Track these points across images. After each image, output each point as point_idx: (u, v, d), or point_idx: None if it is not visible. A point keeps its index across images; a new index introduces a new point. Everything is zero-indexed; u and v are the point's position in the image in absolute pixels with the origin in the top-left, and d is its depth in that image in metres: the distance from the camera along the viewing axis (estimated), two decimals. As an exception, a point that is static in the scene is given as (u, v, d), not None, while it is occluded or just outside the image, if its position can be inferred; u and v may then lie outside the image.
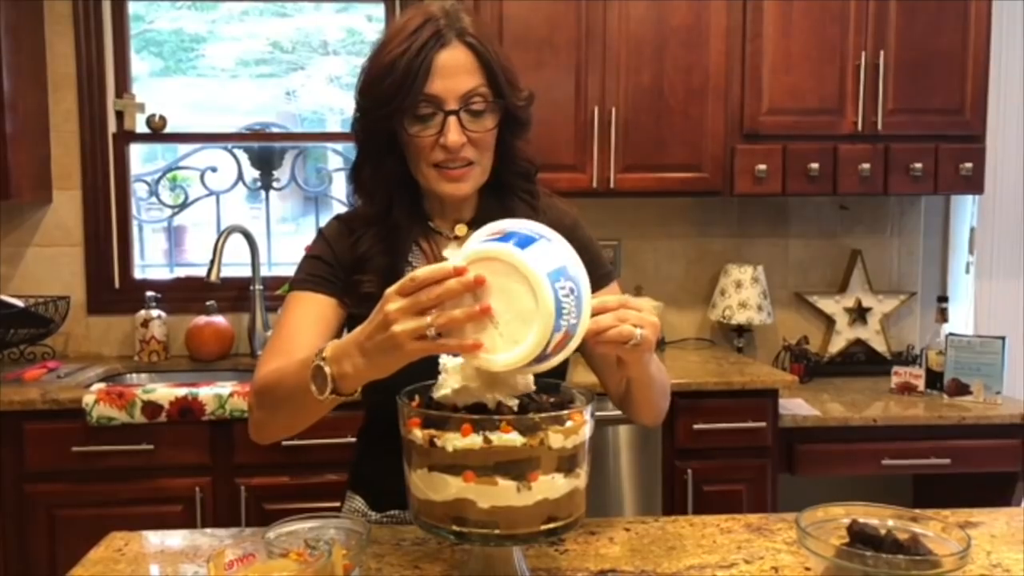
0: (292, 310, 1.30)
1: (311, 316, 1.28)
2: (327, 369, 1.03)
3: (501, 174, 1.32)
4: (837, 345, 3.25)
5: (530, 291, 0.91)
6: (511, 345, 0.94)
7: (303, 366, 1.08)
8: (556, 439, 0.97)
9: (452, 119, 1.21)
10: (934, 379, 2.91)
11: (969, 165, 2.90)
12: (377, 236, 1.30)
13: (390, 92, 1.21)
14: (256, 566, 0.99)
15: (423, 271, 0.94)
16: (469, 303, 0.94)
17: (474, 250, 0.94)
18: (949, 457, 2.73)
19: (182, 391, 2.47)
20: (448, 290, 0.93)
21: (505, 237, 0.95)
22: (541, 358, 0.95)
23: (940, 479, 3.00)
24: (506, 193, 1.34)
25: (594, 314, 1.01)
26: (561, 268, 0.94)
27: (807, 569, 1.18)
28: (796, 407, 2.74)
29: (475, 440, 0.95)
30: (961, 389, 2.85)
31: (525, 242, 0.94)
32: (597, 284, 1.30)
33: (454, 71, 1.21)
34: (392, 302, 0.96)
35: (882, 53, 2.86)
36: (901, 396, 2.90)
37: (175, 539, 1.33)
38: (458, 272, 0.93)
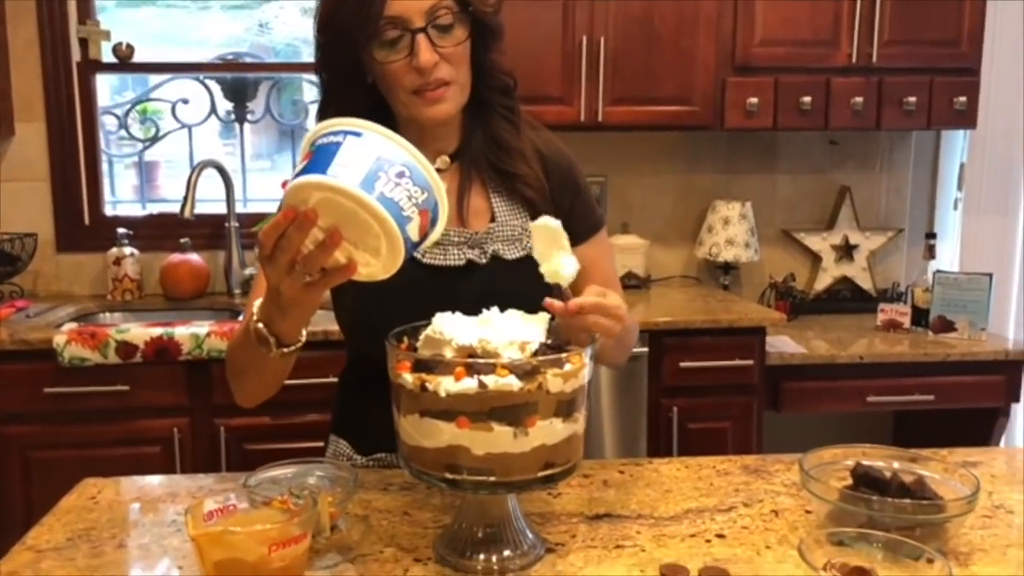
0: None
1: None
2: (264, 331, 1.03)
3: (478, 91, 1.26)
4: (823, 282, 3.22)
5: (355, 206, 0.87)
6: (375, 255, 0.92)
7: (247, 331, 1.08)
8: (555, 383, 0.92)
9: (421, 37, 1.14)
10: (920, 316, 2.91)
11: (963, 99, 2.84)
12: None
13: (349, 21, 1.14)
14: (238, 516, 0.94)
15: (264, 231, 0.93)
16: (319, 236, 0.91)
17: (288, 190, 0.90)
18: (933, 394, 2.74)
19: (157, 331, 2.40)
20: (291, 239, 0.91)
21: (310, 163, 0.89)
22: (418, 243, 0.93)
23: (920, 416, 3.01)
24: (486, 112, 1.28)
25: (569, 308, 0.99)
26: (376, 164, 0.88)
27: (808, 512, 1.15)
28: (781, 344, 2.72)
29: (470, 384, 0.89)
30: (946, 326, 2.84)
31: (326, 157, 0.88)
32: (587, 233, 1.32)
33: None
34: (266, 267, 0.96)
35: (878, -18, 2.77)
36: (886, 333, 2.89)
37: (150, 484, 1.28)
38: (287, 217, 0.90)
